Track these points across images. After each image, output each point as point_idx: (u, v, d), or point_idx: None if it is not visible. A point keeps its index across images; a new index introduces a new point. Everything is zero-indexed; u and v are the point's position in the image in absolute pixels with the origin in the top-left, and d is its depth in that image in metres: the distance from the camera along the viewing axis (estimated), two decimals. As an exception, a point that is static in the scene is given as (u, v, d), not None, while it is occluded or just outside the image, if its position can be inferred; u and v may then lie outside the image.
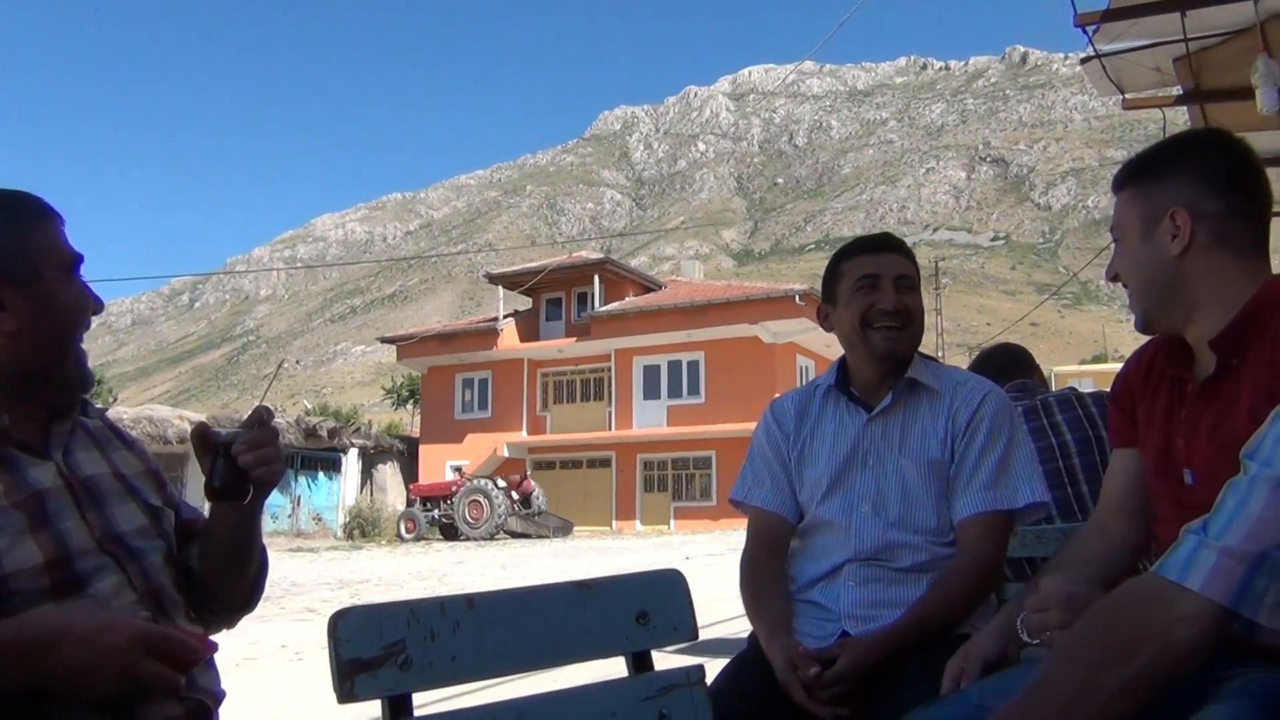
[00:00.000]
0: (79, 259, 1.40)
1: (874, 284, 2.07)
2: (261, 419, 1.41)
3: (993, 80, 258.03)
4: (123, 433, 1.54)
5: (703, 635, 1.60)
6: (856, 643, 1.78)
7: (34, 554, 1.23)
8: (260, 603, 1.61)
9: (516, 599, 1.44)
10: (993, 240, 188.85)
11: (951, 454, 2.01)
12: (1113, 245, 1.63)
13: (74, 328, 1.37)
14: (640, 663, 1.50)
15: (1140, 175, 1.56)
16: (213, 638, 1.33)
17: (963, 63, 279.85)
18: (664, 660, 1.54)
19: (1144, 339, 1.70)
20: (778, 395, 2.30)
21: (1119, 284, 1.61)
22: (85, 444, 1.43)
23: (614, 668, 1.50)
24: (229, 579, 1.49)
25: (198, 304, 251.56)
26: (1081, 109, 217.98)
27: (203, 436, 1.40)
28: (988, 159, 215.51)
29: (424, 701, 1.32)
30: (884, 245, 2.13)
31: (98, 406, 1.54)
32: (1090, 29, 5.34)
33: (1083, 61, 5.95)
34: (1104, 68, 5.81)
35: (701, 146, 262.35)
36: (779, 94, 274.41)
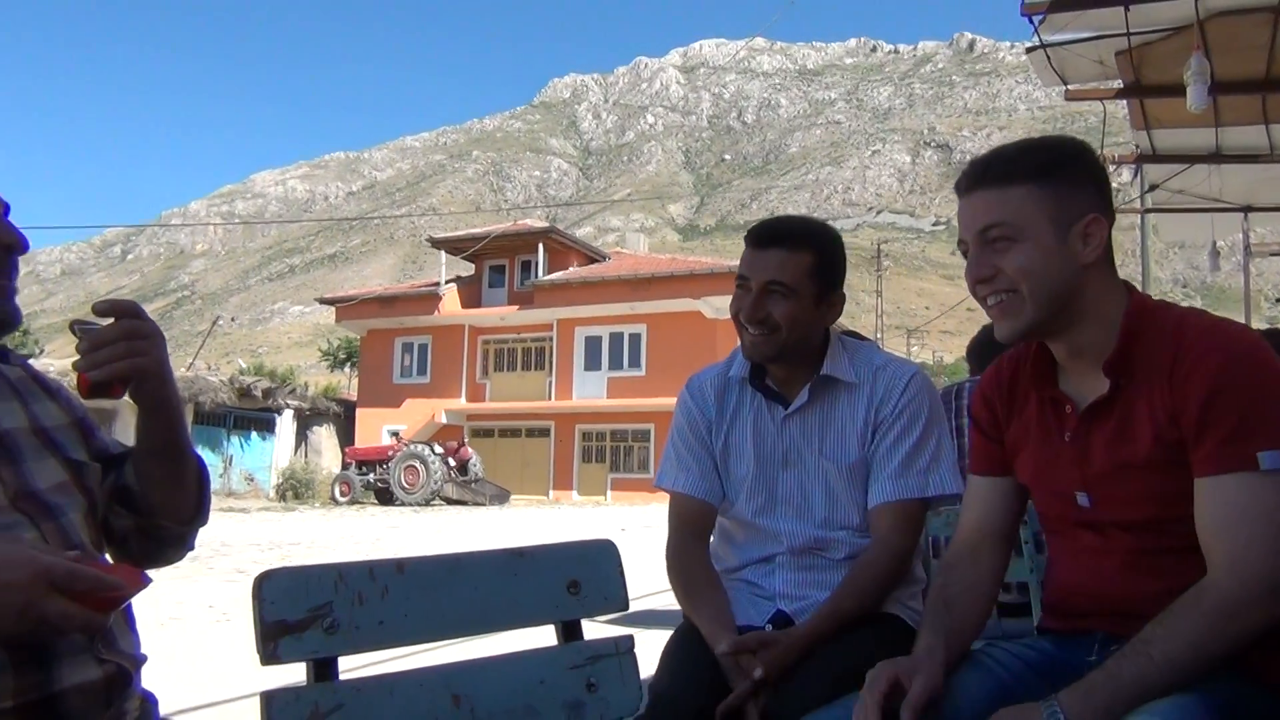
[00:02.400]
0: None
1: (744, 286, 1.98)
2: (125, 311, 1.33)
3: (940, 65, 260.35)
4: (46, 381, 1.48)
5: (634, 606, 1.61)
6: (774, 644, 1.77)
7: None
8: (188, 560, 1.55)
9: (447, 565, 1.43)
10: (934, 225, 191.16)
11: (872, 438, 1.99)
12: (994, 244, 1.47)
13: None
14: (570, 631, 1.50)
15: (1045, 174, 1.46)
16: (150, 574, 1.26)
17: (912, 47, 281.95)
18: (594, 630, 1.54)
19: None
20: (694, 374, 2.21)
21: (986, 285, 1.48)
22: (4, 394, 1.38)
23: (545, 636, 1.50)
24: (166, 487, 1.44)
25: (130, 256, 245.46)
26: (1025, 99, 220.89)
27: (73, 331, 1.35)
28: (932, 144, 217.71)
29: (350, 666, 1.30)
30: (766, 240, 1.99)
31: (20, 354, 1.48)
32: (1036, 19, 5.40)
33: (1028, 51, 6.02)
34: (1048, 58, 5.89)
35: (650, 119, 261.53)
36: (730, 69, 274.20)
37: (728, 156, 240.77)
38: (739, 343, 2.07)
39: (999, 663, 1.50)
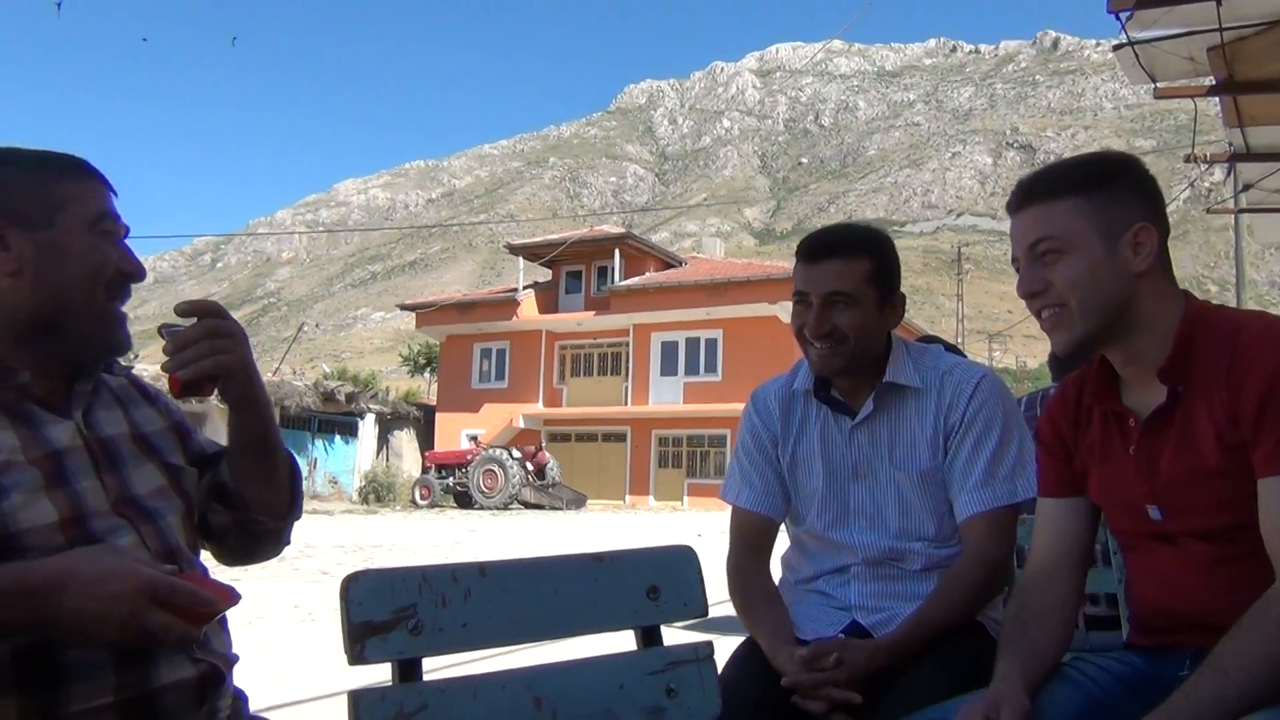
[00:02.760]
0: (106, 218, 1.37)
1: (803, 301, 1.95)
2: (207, 310, 1.38)
3: (1023, 65, 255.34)
4: (146, 388, 1.54)
5: (712, 613, 1.61)
6: (859, 648, 1.75)
7: (49, 512, 1.23)
8: (275, 560, 1.60)
9: (528, 569, 1.44)
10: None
11: (945, 452, 1.95)
12: (1043, 258, 1.48)
13: (85, 281, 1.34)
14: (649, 637, 1.51)
15: (1090, 187, 1.47)
16: (238, 572, 1.30)
17: (993, 46, 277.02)
18: (672, 636, 1.54)
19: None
20: (757, 388, 2.19)
21: (1037, 299, 1.49)
22: (108, 403, 1.43)
23: (623, 641, 1.51)
24: (260, 483, 1.49)
25: (220, 264, 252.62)
26: (1112, 97, 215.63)
27: (160, 334, 1.40)
28: (1015, 145, 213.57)
29: (433, 667, 1.33)
30: (820, 252, 1.95)
31: (121, 364, 1.54)
32: (1123, 15, 5.27)
33: (1115, 48, 5.87)
34: (1136, 55, 5.73)
35: (726, 123, 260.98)
36: (806, 72, 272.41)
37: (804, 160, 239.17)
38: (803, 355, 2.06)
39: (1088, 676, 1.47)
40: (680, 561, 1.57)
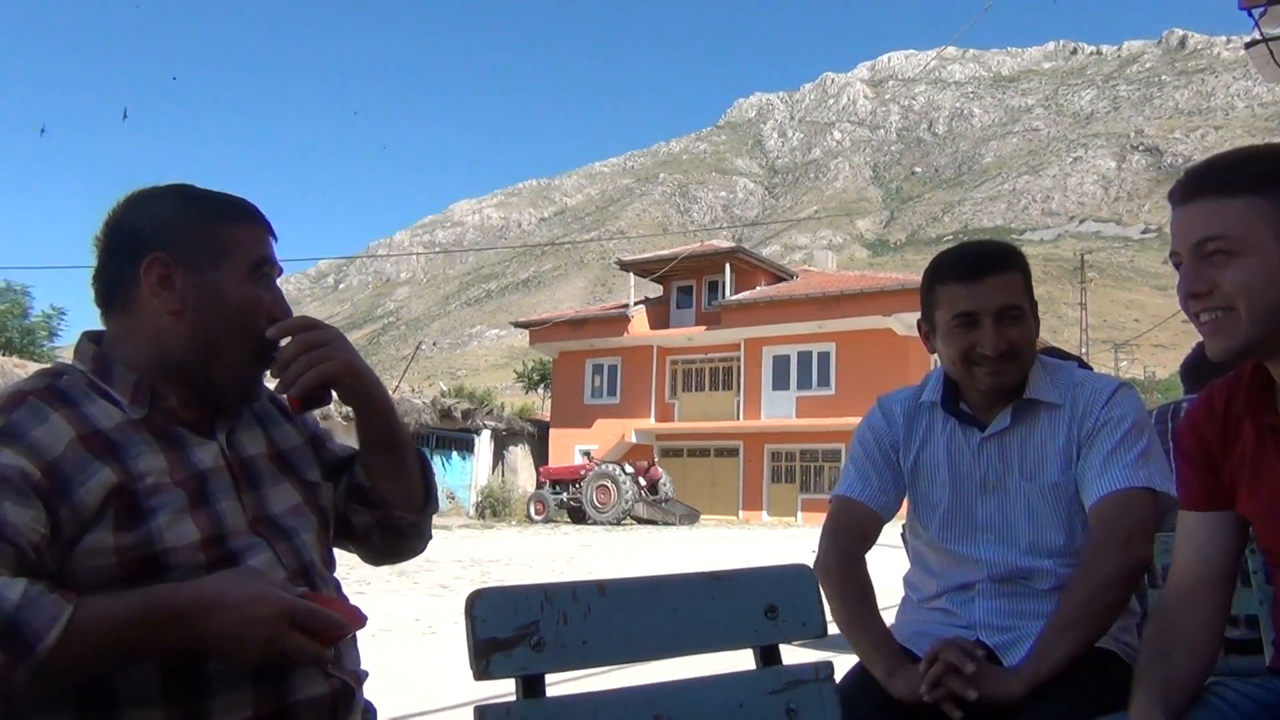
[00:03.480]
0: (265, 263, 1.44)
1: (972, 322, 1.87)
2: (297, 327, 1.43)
3: (1148, 65, 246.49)
4: (284, 405, 1.60)
5: (830, 631, 1.60)
6: (1003, 678, 1.68)
7: (192, 531, 1.29)
8: (396, 574, 1.65)
9: (647, 587, 1.45)
10: (1144, 233, 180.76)
11: (1077, 457, 1.88)
12: (1211, 258, 1.38)
13: (238, 324, 1.40)
14: (768, 656, 1.50)
15: (1271, 185, 1.35)
16: (363, 600, 1.36)
17: (1115, 47, 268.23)
18: (789, 655, 1.54)
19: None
20: (883, 395, 2.15)
21: (1199, 301, 1.39)
22: (249, 423, 1.49)
23: (739, 660, 1.51)
24: (393, 478, 1.55)
25: (342, 285, 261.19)
26: (1244, 95, 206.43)
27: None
28: (1140, 148, 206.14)
29: (552, 682, 1.35)
30: (981, 270, 1.88)
31: (262, 385, 1.61)
32: (1256, 11, 5.06)
33: (1248, 45, 5.64)
34: (1270, 52, 5.50)
35: (837, 134, 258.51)
36: (919, 80, 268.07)
37: (918, 169, 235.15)
38: (933, 369, 2.02)
39: (1229, 703, 1.41)
40: (798, 580, 1.57)
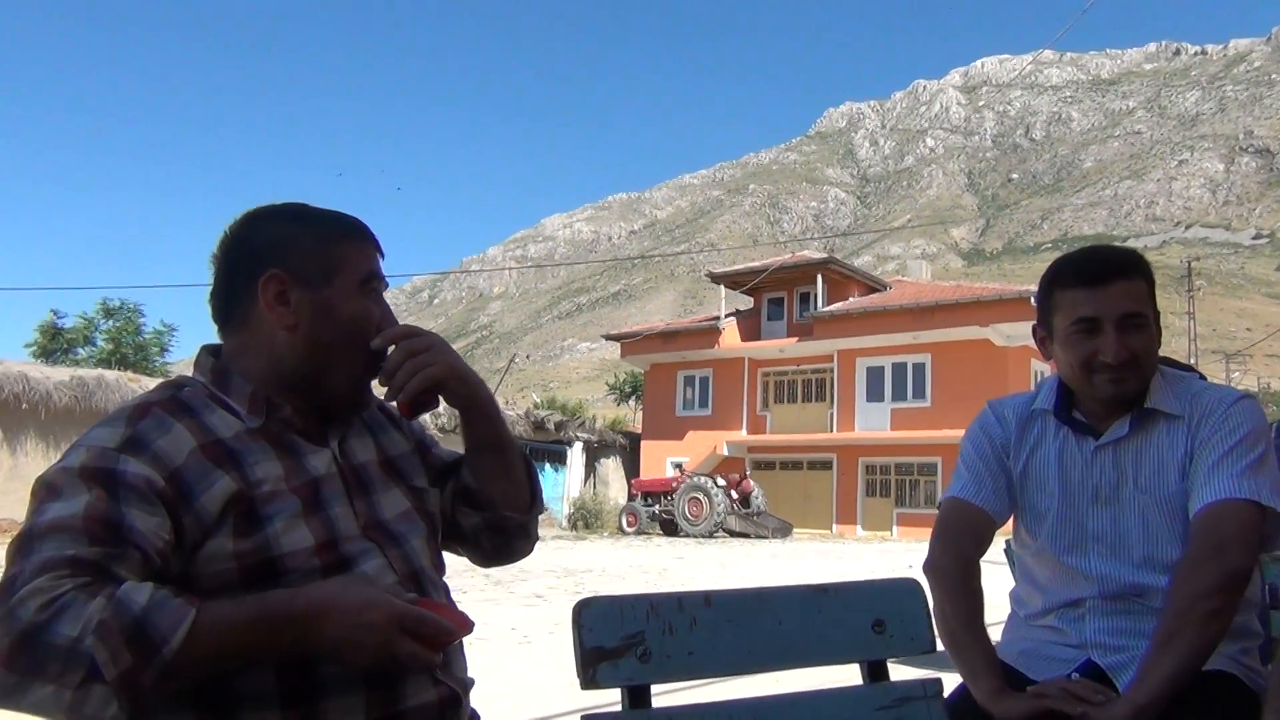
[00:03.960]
0: (374, 278, 1.49)
1: (1093, 328, 1.82)
2: (399, 335, 1.47)
3: (1256, 64, 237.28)
4: (392, 413, 1.63)
5: (938, 648, 1.56)
6: (1110, 705, 1.60)
7: (306, 537, 1.32)
8: (492, 583, 1.67)
9: (752, 599, 1.45)
10: (1255, 238, 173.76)
11: (1192, 461, 1.80)
12: None
13: (349, 338, 1.44)
14: (876, 672, 1.48)
15: None
16: (458, 594, 1.38)
17: (1221, 46, 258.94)
18: (895, 672, 1.51)
19: None
20: (994, 399, 2.08)
21: None
22: (359, 431, 1.53)
23: (841, 675, 1.49)
24: (499, 478, 1.58)
25: (436, 300, 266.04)
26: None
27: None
28: (1250, 149, 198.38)
29: (657, 692, 1.35)
30: (1105, 275, 1.82)
31: (371, 394, 1.64)
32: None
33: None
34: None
35: (930, 142, 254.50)
36: (1014, 85, 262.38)
37: (1014, 176, 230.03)
38: (1045, 377, 1.97)
39: None
40: (906, 595, 1.54)
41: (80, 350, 32.50)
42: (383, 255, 1.52)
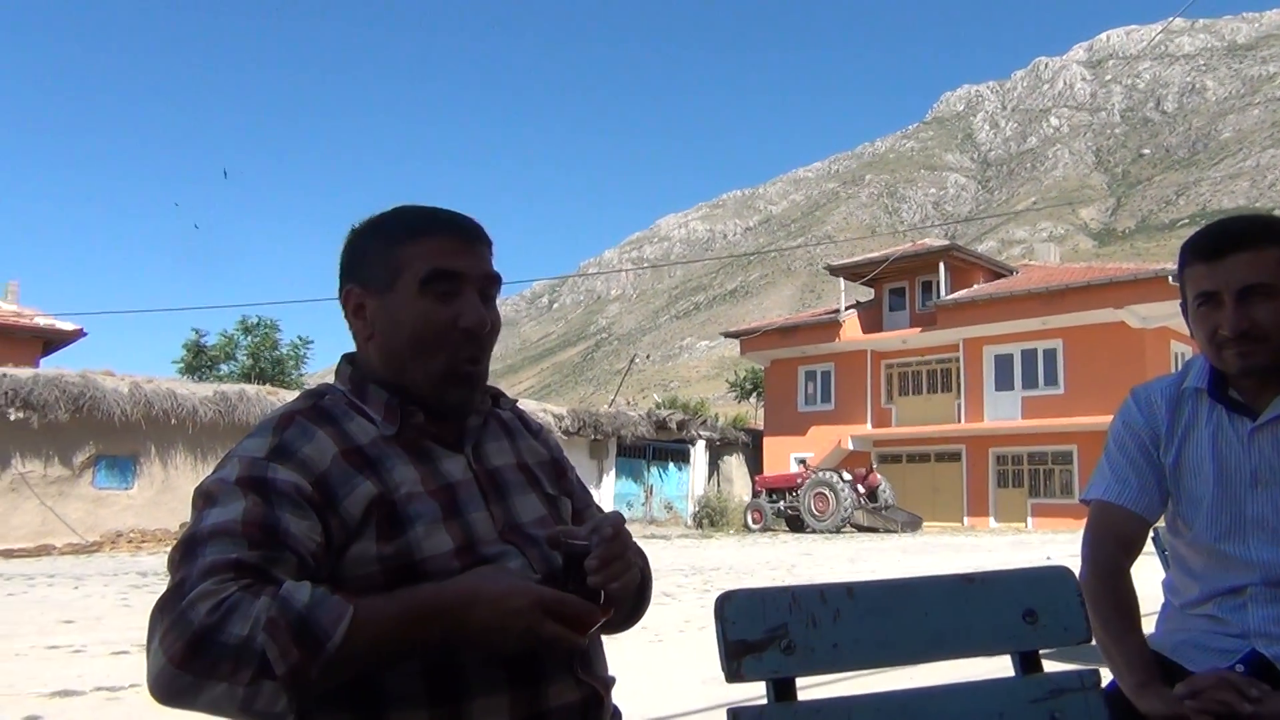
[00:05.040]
0: (438, 278, 1.42)
1: (1213, 302, 1.78)
2: (613, 528, 1.34)
3: None
4: (530, 422, 1.66)
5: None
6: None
7: (446, 541, 1.35)
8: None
9: (896, 590, 1.42)
10: None
11: None
12: None
13: (413, 343, 1.42)
14: (1028, 663, 1.44)
15: None
16: None
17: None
18: (1047, 665, 1.46)
19: None
20: (1139, 385, 2.03)
21: None
22: (496, 435, 1.55)
23: (987, 667, 1.44)
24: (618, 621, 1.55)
25: (555, 305, 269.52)
26: None
27: (556, 544, 1.37)
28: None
29: (801, 685, 1.33)
30: (1222, 248, 1.78)
31: (510, 398, 1.66)
32: None
33: None
34: None
35: (1054, 121, 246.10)
36: (1143, 57, 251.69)
37: (1146, 151, 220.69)
38: (1194, 354, 1.90)
39: None
40: (1057, 583, 1.49)
41: (223, 366, 34.15)
42: (472, 243, 1.46)
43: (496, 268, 1.49)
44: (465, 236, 1.45)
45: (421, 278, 1.40)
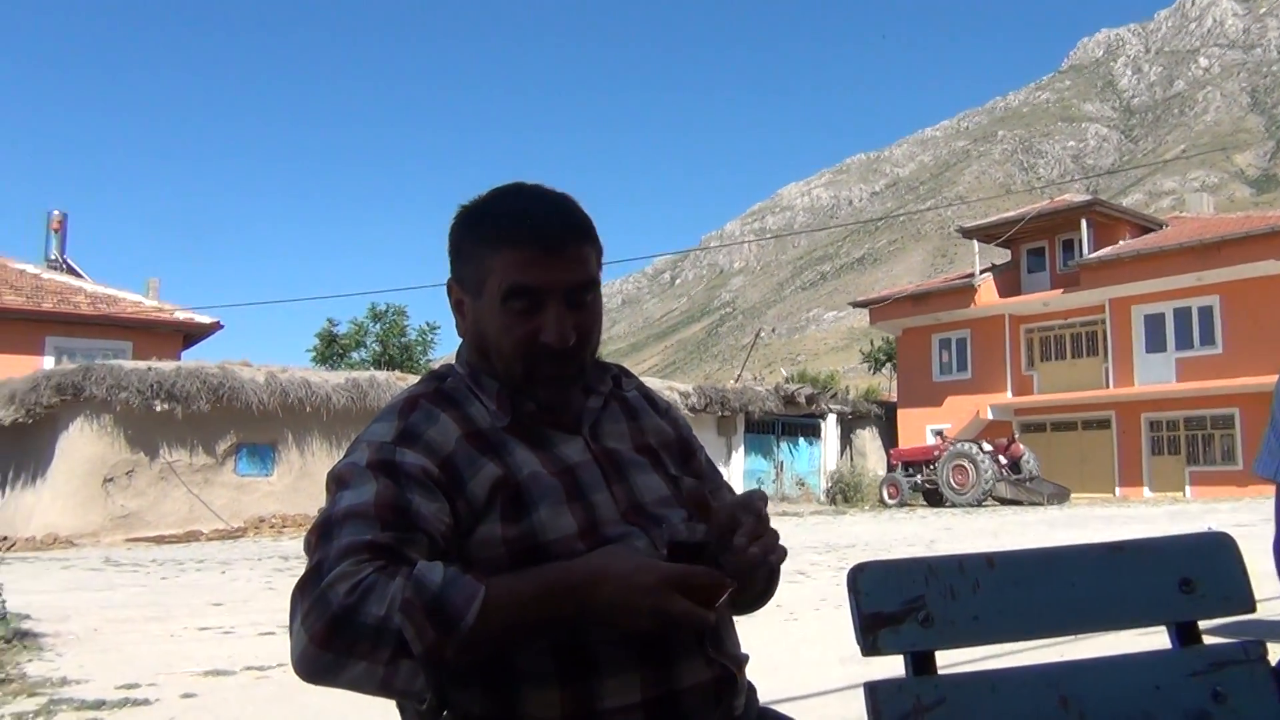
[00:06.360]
0: (517, 294, 1.40)
1: None
2: (749, 506, 1.34)
3: None
4: (658, 400, 1.66)
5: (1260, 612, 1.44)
6: None
7: (570, 523, 1.36)
8: None
9: (1040, 559, 1.38)
10: None
11: None
12: None
13: (495, 354, 1.45)
14: (1186, 634, 1.38)
15: None
16: None
17: None
18: (1206, 638, 1.40)
19: None
20: None
21: None
22: (615, 416, 1.56)
23: (1142, 640, 1.40)
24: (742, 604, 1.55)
25: (678, 280, 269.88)
26: None
27: (700, 503, 1.38)
28: None
29: (940, 659, 1.31)
30: None
31: (634, 377, 1.66)
32: None
33: None
34: None
35: (1204, 62, 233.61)
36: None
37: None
38: None
39: None
40: (1217, 550, 1.42)
41: (354, 354, 35.42)
42: (566, 250, 1.41)
43: (613, 247, 1.48)
44: (547, 246, 1.40)
45: (504, 292, 1.40)
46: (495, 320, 1.41)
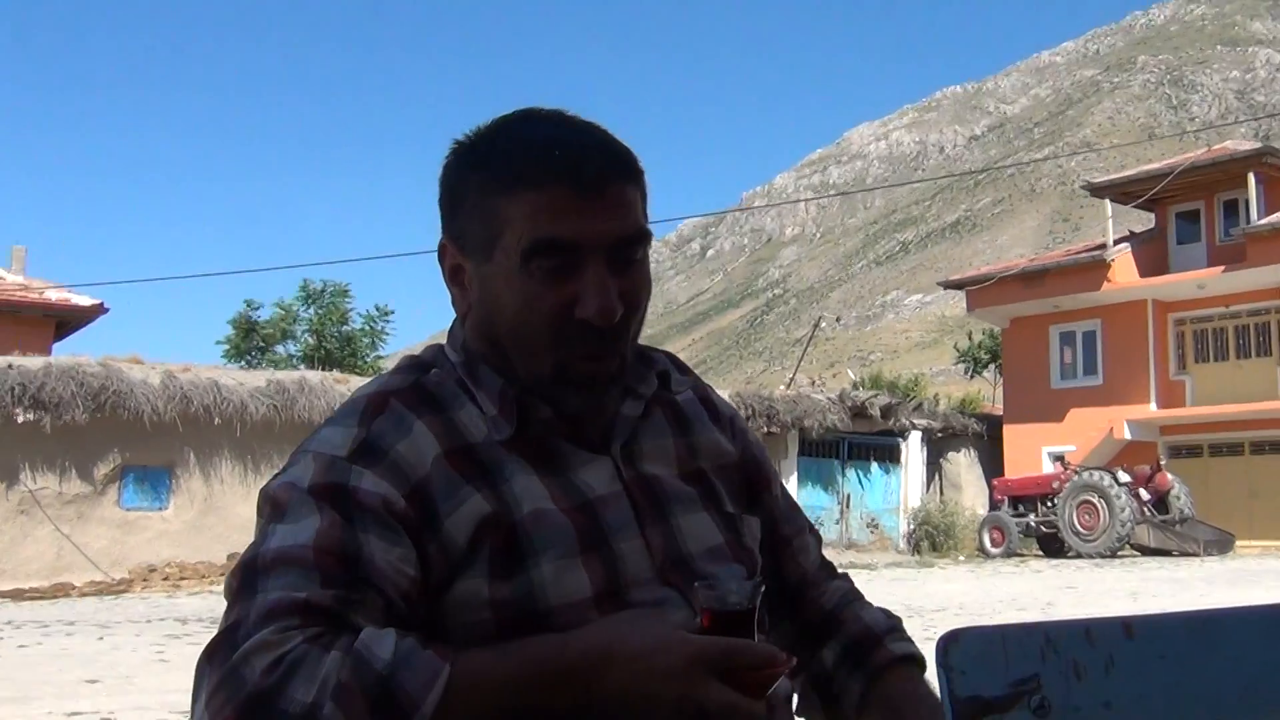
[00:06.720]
0: (540, 251, 1.32)
1: None
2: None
3: None
4: (719, 406, 1.61)
5: None
6: None
7: (584, 584, 1.31)
8: None
9: (1194, 626, 1.38)
10: None
11: None
12: None
13: (515, 333, 1.36)
14: (1391, 727, 1.38)
15: None
16: None
17: None
18: None
19: None
20: None
21: None
22: (658, 428, 1.51)
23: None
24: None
25: (711, 252, 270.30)
26: None
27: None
28: None
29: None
30: None
31: (690, 372, 1.60)
32: None
33: None
34: None
35: None
36: None
37: None
38: None
39: None
40: None
41: (280, 348, 35.26)
42: (607, 191, 1.35)
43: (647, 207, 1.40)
44: (584, 187, 1.32)
45: (523, 251, 1.31)
46: (513, 289, 1.33)
